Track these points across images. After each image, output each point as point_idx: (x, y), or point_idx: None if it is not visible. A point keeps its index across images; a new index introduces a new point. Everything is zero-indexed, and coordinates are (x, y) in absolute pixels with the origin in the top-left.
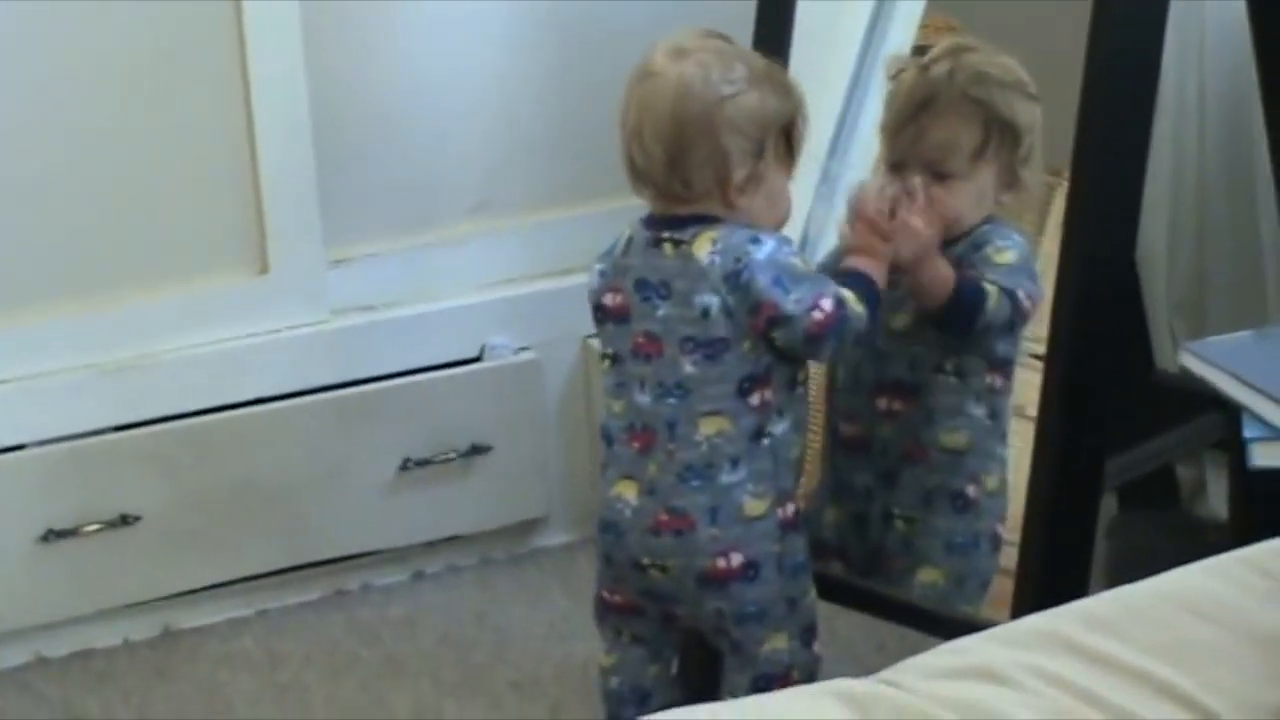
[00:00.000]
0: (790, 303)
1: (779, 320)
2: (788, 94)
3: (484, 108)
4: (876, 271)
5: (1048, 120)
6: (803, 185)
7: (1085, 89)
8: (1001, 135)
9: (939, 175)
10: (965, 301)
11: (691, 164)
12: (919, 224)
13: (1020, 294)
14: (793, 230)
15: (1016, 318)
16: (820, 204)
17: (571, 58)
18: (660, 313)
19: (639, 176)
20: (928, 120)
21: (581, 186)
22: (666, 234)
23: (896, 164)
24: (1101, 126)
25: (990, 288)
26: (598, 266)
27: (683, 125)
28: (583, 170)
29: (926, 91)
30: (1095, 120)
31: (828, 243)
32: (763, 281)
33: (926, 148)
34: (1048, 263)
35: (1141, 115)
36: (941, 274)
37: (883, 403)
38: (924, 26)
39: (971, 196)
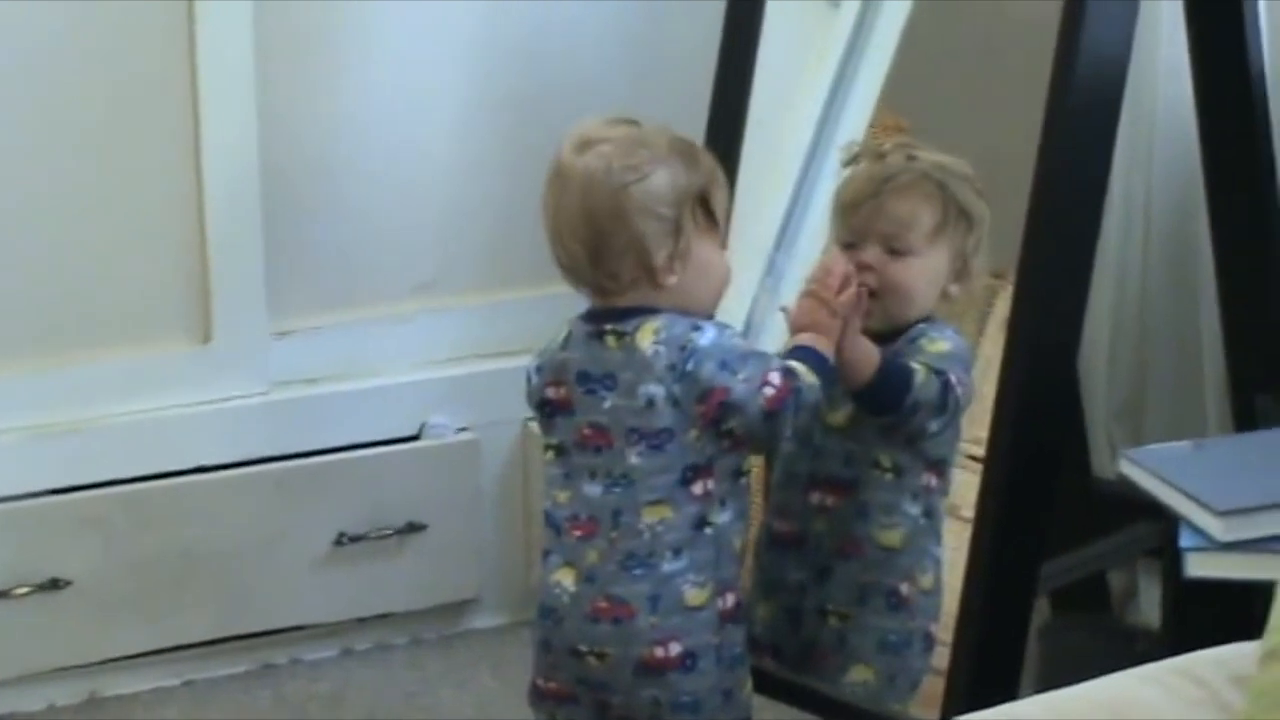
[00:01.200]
0: (739, 384)
1: (730, 405)
2: (696, 164)
3: (434, 187)
4: (824, 348)
5: (993, 223)
6: (748, 276)
7: (1035, 189)
8: (957, 219)
9: (895, 251)
10: (891, 378)
11: (612, 255)
12: (863, 297)
13: (951, 376)
14: (737, 319)
15: (948, 400)
16: (766, 295)
17: (524, 141)
18: (607, 404)
19: (568, 274)
20: (888, 195)
21: (528, 270)
22: (609, 326)
23: (850, 243)
24: (1050, 226)
25: (917, 366)
26: (534, 364)
27: (594, 220)
28: (530, 254)
29: (887, 170)
30: (1043, 222)
31: (772, 332)
32: (709, 368)
33: (886, 222)
34: (988, 365)
35: (1090, 217)
36: (866, 351)
37: (816, 497)
38: (873, 127)
39: (926, 276)
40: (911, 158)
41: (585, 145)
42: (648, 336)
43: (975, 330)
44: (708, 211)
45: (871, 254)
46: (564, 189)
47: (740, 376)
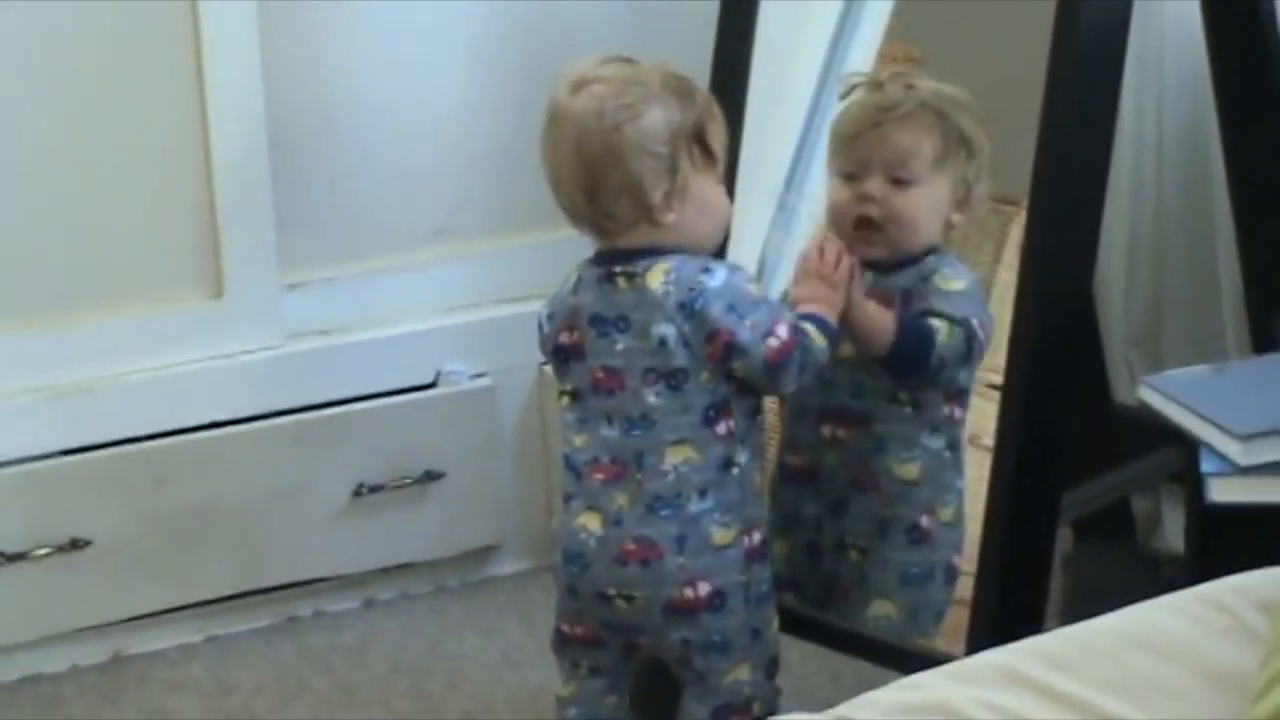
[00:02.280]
0: (745, 329)
1: (735, 348)
2: (691, 101)
3: (443, 133)
4: (829, 315)
5: (1006, 150)
6: (760, 215)
7: (1044, 117)
8: (959, 147)
9: (899, 181)
10: (912, 342)
11: (609, 196)
12: (856, 267)
13: (974, 323)
14: (749, 259)
15: (974, 349)
16: (777, 233)
17: (532, 84)
18: (619, 346)
19: (571, 215)
20: (890, 125)
21: (540, 213)
22: (619, 268)
23: (852, 173)
24: (1060, 155)
25: (938, 323)
26: (545, 311)
27: (589, 162)
28: (541, 197)
29: (887, 100)
30: (1053, 149)
31: (785, 273)
32: (716, 309)
33: (888, 151)
34: (1005, 292)
35: (1100, 145)
36: (881, 320)
37: (828, 430)
38: (883, 56)
39: (930, 205)
40: (910, 87)
41: (579, 85)
42: (658, 277)
43: (992, 258)
44: (704, 148)
45: (874, 185)
46: (559, 131)
47: (747, 322)
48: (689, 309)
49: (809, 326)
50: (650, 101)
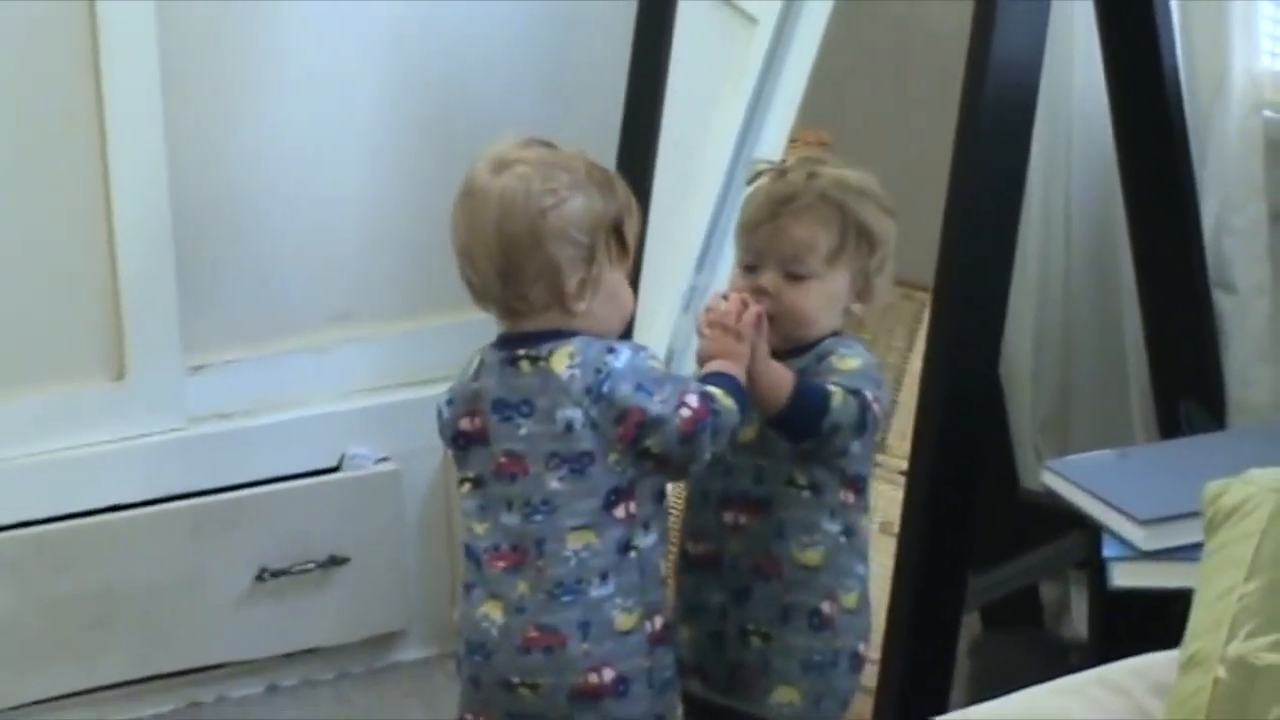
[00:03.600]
0: (656, 404)
1: (648, 424)
2: (613, 192)
3: (349, 215)
4: (736, 372)
5: (919, 234)
6: (668, 301)
7: (950, 200)
8: (858, 240)
9: (793, 276)
10: (807, 401)
11: (524, 279)
12: (762, 318)
13: (867, 394)
14: (657, 343)
15: (867, 420)
16: (686, 318)
17: (437, 167)
18: (523, 431)
19: (478, 295)
20: (786, 218)
21: (445, 296)
22: (522, 351)
23: (750, 265)
24: (965, 238)
25: (834, 388)
26: (444, 397)
27: (509, 242)
28: (446, 280)
29: (786, 191)
30: (959, 231)
31: (693, 355)
32: (625, 389)
33: (783, 245)
34: (918, 381)
35: (1006, 227)
36: (778, 375)
37: (730, 517)
38: (794, 142)
39: (824, 299)
40: (813, 175)
41: (502, 166)
42: (563, 360)
43: (905, 344)
44: (620, 240)
45: (768, 278)
46: (478, 209)
47: (657, 398)
48: (596, 392)
49: (717, 391)
50: (575, 189)
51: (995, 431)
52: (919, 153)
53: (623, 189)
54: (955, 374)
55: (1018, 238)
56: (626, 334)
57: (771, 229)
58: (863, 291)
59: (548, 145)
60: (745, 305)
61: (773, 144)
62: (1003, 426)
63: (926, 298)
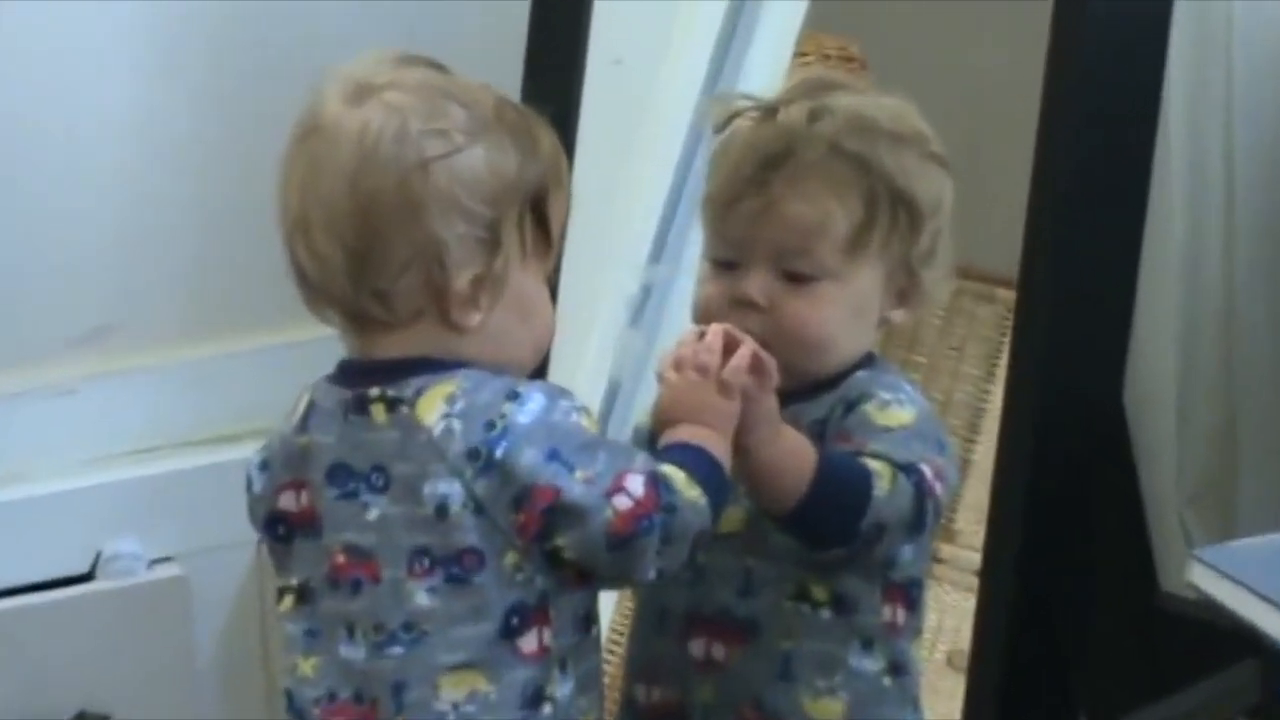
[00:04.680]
0: (577, 484)
1: (562, 513)
2: (534, 147)
3: (108, 197)
4: (714, 444)
5: (999, 205)
6: (604, 307)
7: (1039, 155)
8: (893, 215)
9: (795, 277)
10: (836, 491)
11: (387, 267)
12: (766, 360)
13: (926, 470)
14: (588, 384)
15: (925, 511)
16: (634, 336)
17: (240, 117)
18: (373, 514)
19: (314, 292)
20: (779, 187)
21: (255, 305)
22: (376, 390)
23: (728, 262)
24: (1065, 214)
25: (877, 464)
26: (256, 459)
27: (368, 206)
28: (256, 280)
29: (775, 145)
30: (1054, 204)
31: (647, 396)
32: (530, 456)
33: (777, 231)
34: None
35: (1128, 196)
36: (789, 450)
37: (699, 647)
38: (802, 57)
39: (847, 309)
40: (818, 113)
41: (365, 92)
42: (436, 405)
43: (983, 371)
44: (541, 224)
45: (757, 282)
46: (321, 156)
47: (580, 474)
48: (486, 458)
49: (676, 474)
50: (476, 134)
51: (1119, 503)
52: (996, 79)
53: (550, 143)
54: (1053, 418)
55: (1147, 210)
56: (542, 370)
57: (755, 206)
58: (906, 291)
59: (436, 67)
60: (733, 339)
61: (768, 63)
62: (1130, 495)
63: (1012, 298)
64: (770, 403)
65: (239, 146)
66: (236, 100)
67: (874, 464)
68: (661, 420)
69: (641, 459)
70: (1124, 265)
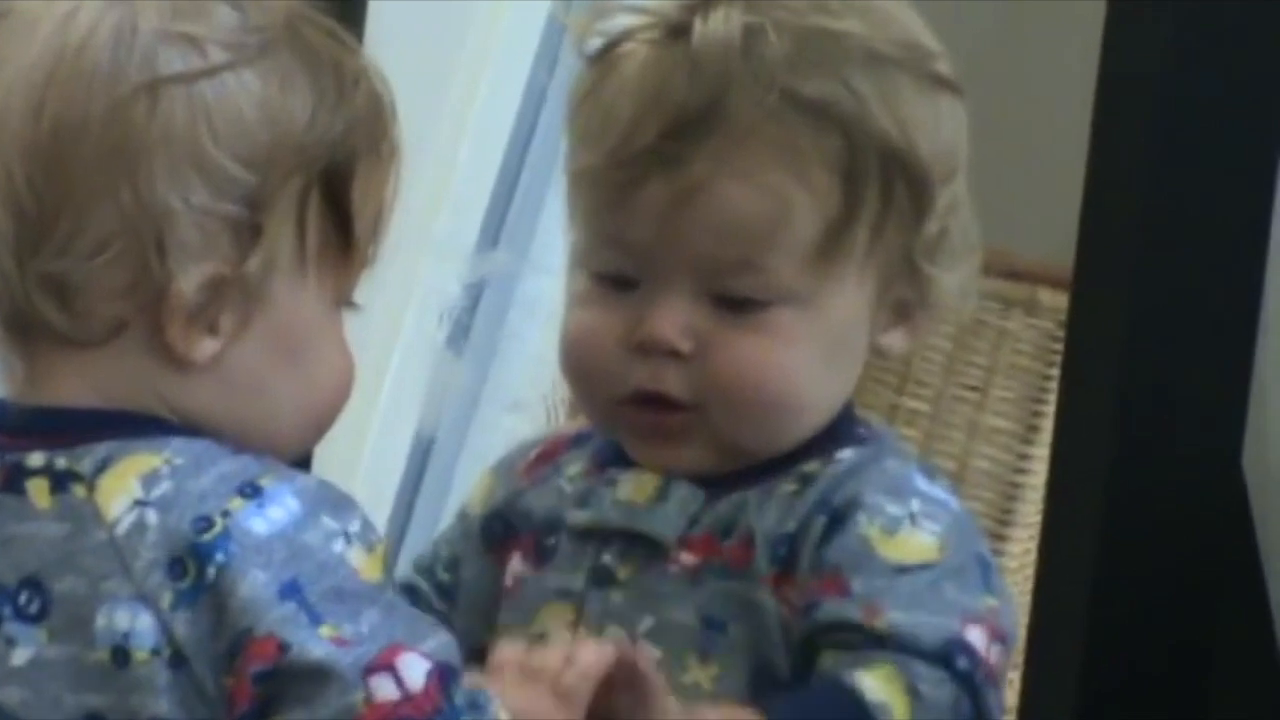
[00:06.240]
0: (320, 644)
1: (289, 681)
2: (342, 90)
3: None
4: None
5: (1042, 167)
6: (410, 314)
7: (1098, 121)
8: (885, 191)
9: (734, 304)
10: None
11: (75, 241)
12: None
13: (975, 641)
14: (381, 434)
15: (984, 711)
16: (456, 360)
17: None
18: (21, 655)
19: None
20: (703, 165)
21: None
22: (36, 457)
23: (620, 276)
24: (1140, 186)
25: (877, 677)
26: None
27: (56, 144)
28: None
29: (694, 91)
30: (1106, 194)
31: (475, 459)
32: (255, 583)
33: (700, 235)
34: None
35: (1247, 200)
36: None
37: None
38: None
39: (816, 350)
40: (756, 34)
41: None
42: (126, 485)
43: (1020, 424)
44: (337, 212)
45: (675, 313)
46: (2, 61)
47: (326, 631)
48: (195, 573)
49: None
50: (248, 55)
51: (1248, 602)
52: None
53: (371, 89)
54: (1141, 493)
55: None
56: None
57: (669, 193)
58: (907, 301)
59: None
60: (586, 654)
61: None
62: (1253, 577)
63: (1064, 305)
64: (652, 700)
65: None
66: None
67: (868, 679)
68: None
69: (436, 638)
70: (1250, 256)
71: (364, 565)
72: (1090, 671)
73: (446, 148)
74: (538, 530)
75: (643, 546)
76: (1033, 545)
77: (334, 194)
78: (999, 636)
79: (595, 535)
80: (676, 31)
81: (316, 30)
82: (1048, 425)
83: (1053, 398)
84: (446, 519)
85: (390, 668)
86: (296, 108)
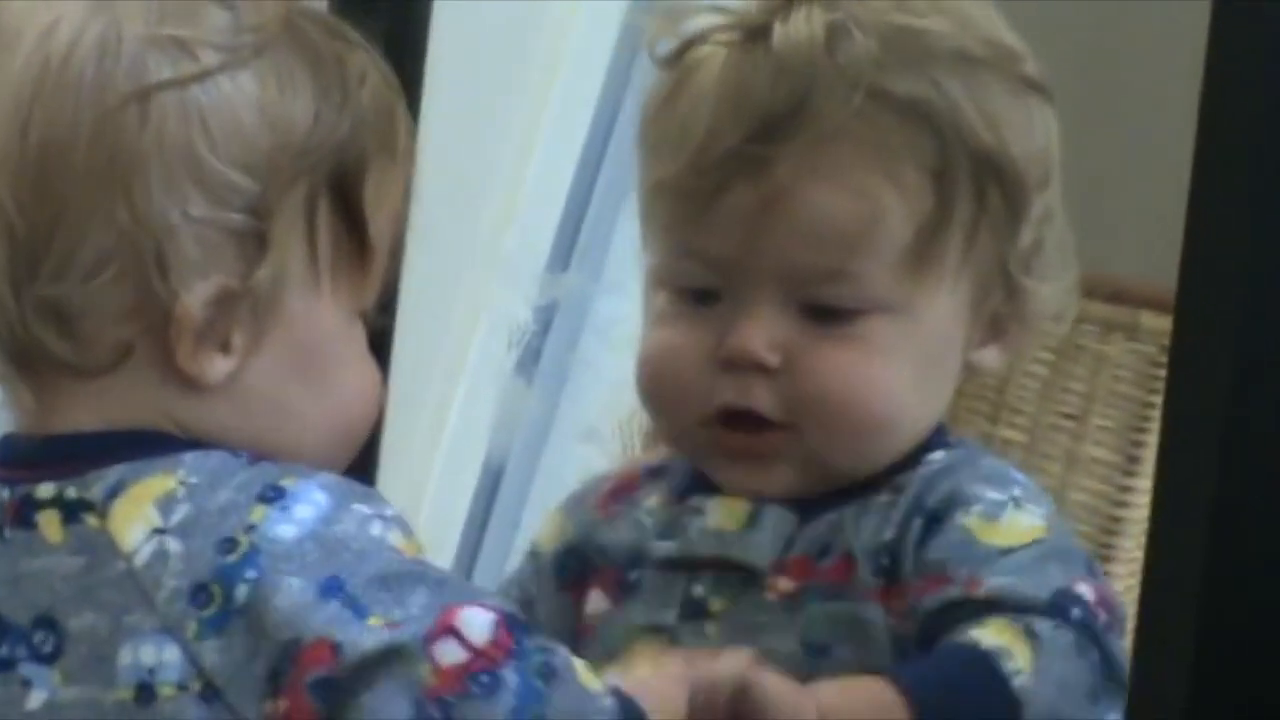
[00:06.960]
0: (370, 631)
1: (347, 673)
2: (346, 90)
3: None
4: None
5: (1141, 180)
6: (477, 338)
7: (1204, 116)
8: (978, 195)
9: (826, 314)
10: (957, 714)
11: (71, 263)
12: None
13: (1088, 593)
14: (448, 463)
15: (1108, 655)
16: (526, 387)
17: None
18: (35, 699)
19: None
20: (789, 169)
21: None
22: (47, 488)
23: (704, 289)
24: (1248, 193)
25: (988, 629)
26: None
27: (45, 161)
28: None
29: (778, 92)
30: (1215, 196)
31: (548, 489)
32: (293, 593)
33: (788, 242)
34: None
35: None
36: (850, 702)
37: None
38: None
39: (912, 363)
40: (839, 33)
41: None
42: (142, 513)
43: (1120, 454)
44: (350, 218)
45: (762, 326)
46: None
47: (375, 621)
48: (221, 600)
49: (575, 662)
50: (242, 56)
51: None
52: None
53: (377, 87)
54: (1236, 527)
55: None
56: (368, 456)
57: (755, 199)
58: (1002, 316)
59: None
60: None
61: None
62: None
63: (1168, 328)
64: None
65: None
66: None
67: (982, 632)
68: None
69: (495, 597)
70: None
71: (403, 543)
72: (1196, 715)
73: (515, 164)
74: (618, 565)
75: (736, 575)
76: (1134, 582)
77: (345, 198)
78: (1109, 606)
79: (683, 566)
80: (756, 32)
81: (317, 27)
82: (1150, 456)
83: (1155, 426)
84: (515, 553)
85: (450, 630)
86: (298, 109)
